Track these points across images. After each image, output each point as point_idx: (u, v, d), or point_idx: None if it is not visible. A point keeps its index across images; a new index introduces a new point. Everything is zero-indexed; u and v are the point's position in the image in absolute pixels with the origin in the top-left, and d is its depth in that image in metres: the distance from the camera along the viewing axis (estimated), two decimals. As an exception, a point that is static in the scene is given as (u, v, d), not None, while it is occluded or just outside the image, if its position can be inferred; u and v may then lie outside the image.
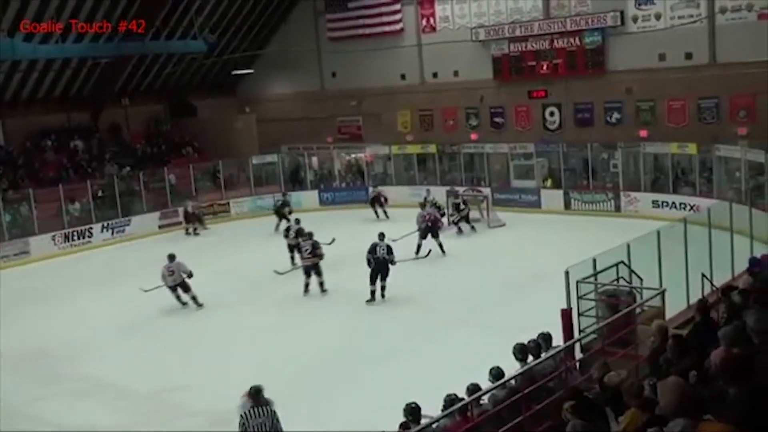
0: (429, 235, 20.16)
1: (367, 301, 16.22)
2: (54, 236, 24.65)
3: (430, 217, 20.69)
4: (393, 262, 16.28)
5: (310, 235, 17.71)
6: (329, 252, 17.90)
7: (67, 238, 24.83)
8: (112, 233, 25.98)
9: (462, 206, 23.22)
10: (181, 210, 27.08)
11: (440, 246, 20.10)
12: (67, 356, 10.88)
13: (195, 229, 25.89)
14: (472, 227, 23.07)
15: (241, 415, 8.19)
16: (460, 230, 22.83)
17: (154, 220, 27.10)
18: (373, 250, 16.27)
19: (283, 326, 15.32)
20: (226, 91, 34.04)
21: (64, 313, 17.50)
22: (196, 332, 15.48)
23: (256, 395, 8.27)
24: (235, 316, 16.39)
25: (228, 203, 28.84)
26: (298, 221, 20.52)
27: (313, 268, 17.14)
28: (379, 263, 16.19)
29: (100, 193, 26.70)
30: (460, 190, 25.54)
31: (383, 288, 16.32)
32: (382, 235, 16.79)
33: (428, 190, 25.07)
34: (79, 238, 25.18)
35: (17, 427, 11.21)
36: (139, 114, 31.78)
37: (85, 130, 30.22)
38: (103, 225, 25.85)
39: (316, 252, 17.16)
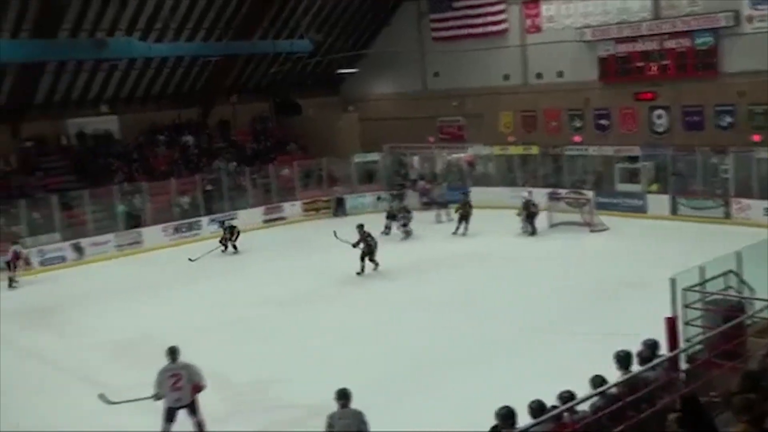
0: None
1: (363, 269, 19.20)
2: (165, 227, 25.70)
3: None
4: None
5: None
6: (413, 256, 18.05)
7: (177, 229, 25.84)
8: (219, 226, 26.82)
9: (533, 207, 23.21)
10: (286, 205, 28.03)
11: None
12: (171, 344, 11.34)
13: (229, 246, 23.80)
14: (534, 230, 23.06)
15: (328, 416, 8.34)
16: (532, 231, 22.98)
17: (258, 214, 27.89)
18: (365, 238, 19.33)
19: (375, 325, 15.46)
20: (330, 90, 34.62)
21: (171, 302, 18.22)
22: (294, 326, 15.82)
23: (343, 397, 8.42)
24: (329, 312, 16.71)
25: (330, 200, 29.34)
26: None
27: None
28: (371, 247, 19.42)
29: (208, 187, 27.64)
30: (563, 192, 25.27)
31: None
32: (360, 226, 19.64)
33: (529, 192, 24.86)
34: (188, 230, 26.16)
35: (119, 410, 11.76)
36: (246, 111, 32.73)
37: (196, 126, 31.34)
38: (211, 218, 26.77)
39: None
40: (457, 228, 23.70)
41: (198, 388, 10.41)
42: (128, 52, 25.58)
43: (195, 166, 29.05)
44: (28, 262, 21.89)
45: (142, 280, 20.96)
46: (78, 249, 23.87)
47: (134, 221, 25.45)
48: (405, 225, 23.88)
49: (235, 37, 28.83)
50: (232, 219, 25.48)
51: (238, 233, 23.86)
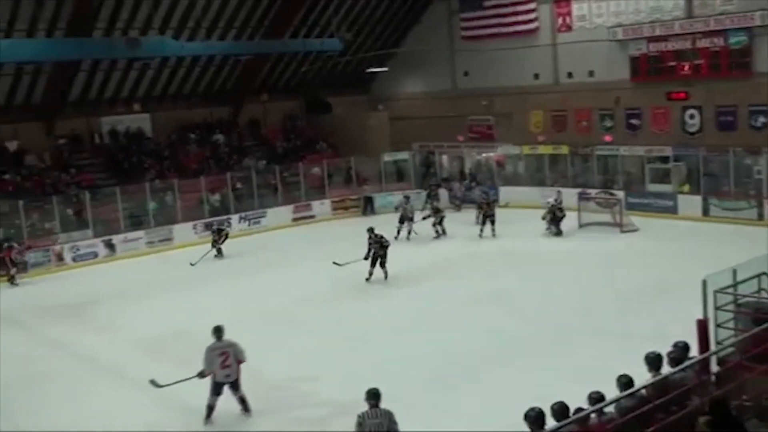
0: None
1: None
2: (195, 225, 25.94)
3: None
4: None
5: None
6: (441, 255, 17.99)
7: (207, 227, 26.05)
8: (249, 224, 27.06)
9: (559, 212, 22.99)
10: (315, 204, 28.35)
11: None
12: (203, 340, 11.48)
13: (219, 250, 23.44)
14: (558, 232, 22.91)
15: (358, 416, 8.35)
16: (557, 233, 22.86)
17: (288, 213, 28.05)
18: (378, 240, 18.70)
19: (406, 324, 15.47)
20: (359, 89, 34.70)
21: (203, 298, 18.39)
22: (324, 324, 15.88)
23: (373, 397, 8.45)
24: (360, 309, 16.78)
25: (359, 198, 29.43)
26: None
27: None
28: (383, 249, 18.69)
29: (238, 186, 27.83)
30: (592, 192, 25.10)
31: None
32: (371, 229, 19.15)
33: (558, 193, 24.73)
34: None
35: (154, 405, 11.93)
36: (276, 110, 32.93)
37: (226, 124, 31.58)
38: (240, 216, 26.98)
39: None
40: (481, 230, 23.36)
41: (240, 363, 11.11)
42: (161, 51, 25.84)
43: (225, 164, 29.27)
44: (13, 263, 21.66)
45: (173, 276, 21.16)
46: (110, 245, 24.18)
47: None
48: (440, 223, 23.67)
49: (266, 36, 29.01)
50: (222, 225, 24.97)
51: (226, 236, 23.48)
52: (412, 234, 23.64)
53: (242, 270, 21.35)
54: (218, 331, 11.11)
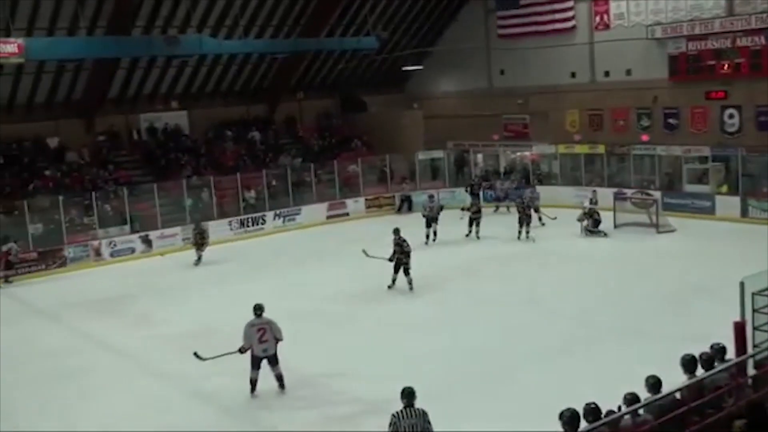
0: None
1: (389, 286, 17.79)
2: (230, 221, 26.17)
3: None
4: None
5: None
6: (478, 254, 17.99)
7: (242, 223, 26.27)
8: (284, 221, 27.22)
9: (597, 215, 22.79)
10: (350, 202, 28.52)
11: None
12: (235, 336, 11.66)
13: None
14: (594, 231, 22.64)
15: (392, 415, 8.24)
16: (599, 232, 22.61)
17: (322, 210, 28.17)
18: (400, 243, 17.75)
19: (441, 322, 15.50)
20: (395, 88, 34.73)
21: (235, 295, 18.43)
22: (358, 321, 15.95)
23: (408, 396, 8.43)
24: (393, 308, 16.81)
25: (393, 197, 29.46)
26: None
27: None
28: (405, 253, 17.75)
29: (274, 183, 28.01)
30: (628, 192, 24.87)
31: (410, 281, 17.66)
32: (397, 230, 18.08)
33: (594, 192, 24.55)
34: (253, 225, 26.59)
35: (187, 399, 12.09)
36: (312, 108, 33.09)
37: (262, 122, 31.80)
38: (275, 213, 27.16)
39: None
40: (519, 232, 22.81)
41: (278, 340, 11.84)
42: (199, 49, 26.08)
43: (261, 161, 29.47)
44: (9, 266, 21.74)
45: (209, 273, 21.35)
46: (146, 241, 24.48)
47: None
48: (477, 224, 23.23)
49: (303, 34, 29.16)
50: (203, 224, 23.33)
51: (203, 238, 22.48)
52: (432, 239, 22.88)
53: (278, 266, 21.49)
54: (258, 309, 11.88)
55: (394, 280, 17.95)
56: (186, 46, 25.23)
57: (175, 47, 24.98)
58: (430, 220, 23.14)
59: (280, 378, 11.98)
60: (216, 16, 26.53)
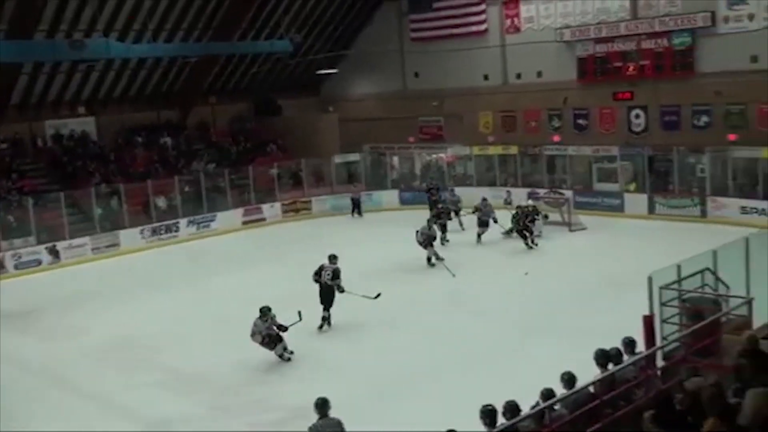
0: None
1: (319, 327, 15.03)
2: (142, 230, 25.51)
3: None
4: (340, 289, 14.96)
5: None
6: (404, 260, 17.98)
7: (154, 231, 25.65)
8: (198, 228, 26.70)
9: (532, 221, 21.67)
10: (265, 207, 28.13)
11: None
12: (151, 347, 11.31)
13: None
14: (536, 236, 21.79)
15: (309, 428, 8.23)
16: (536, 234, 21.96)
17: (238, 216, 27.75)
18: (318, 272, 15.06)
19: (365, 329, 15.31)
20: (310, 91, 34.54)
21: (150, 305, 18.03)
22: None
23: (322, 406, 8.35)
24: (317, 314, 16.58)
25: (310, 201, 29.27)
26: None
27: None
28: (323, 289, 15.01)
29: (186, 189, 27.44)
30: (541, 192, 25.33)
31: (325, 318, 15.06)
32: (332, 257, 15.35)
33: (509, 192, 24.92)
34: (166, 232, 25.97)
35: (103, 414, 11.68)
36: (225, 112, 32.59)
37: (174, 127, 31.13)
38: (189, 220, 26.61)
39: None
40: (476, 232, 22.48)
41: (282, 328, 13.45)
42: (106, 53, 25.26)
43: (173, 167, 28.84)
44: None
45: (121, 282, 20.76)
46: (54, 252, 23.61)
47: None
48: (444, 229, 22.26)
49: (215, 37, 28.68)
50: None
51: None
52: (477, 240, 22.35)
53: (189, 276, 20.97)
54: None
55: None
56: (92, 50, 24.41)
57: (80, 52, 24.15)
58: (483, 222, 22.45)
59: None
60: (123, 20, 25.80)
